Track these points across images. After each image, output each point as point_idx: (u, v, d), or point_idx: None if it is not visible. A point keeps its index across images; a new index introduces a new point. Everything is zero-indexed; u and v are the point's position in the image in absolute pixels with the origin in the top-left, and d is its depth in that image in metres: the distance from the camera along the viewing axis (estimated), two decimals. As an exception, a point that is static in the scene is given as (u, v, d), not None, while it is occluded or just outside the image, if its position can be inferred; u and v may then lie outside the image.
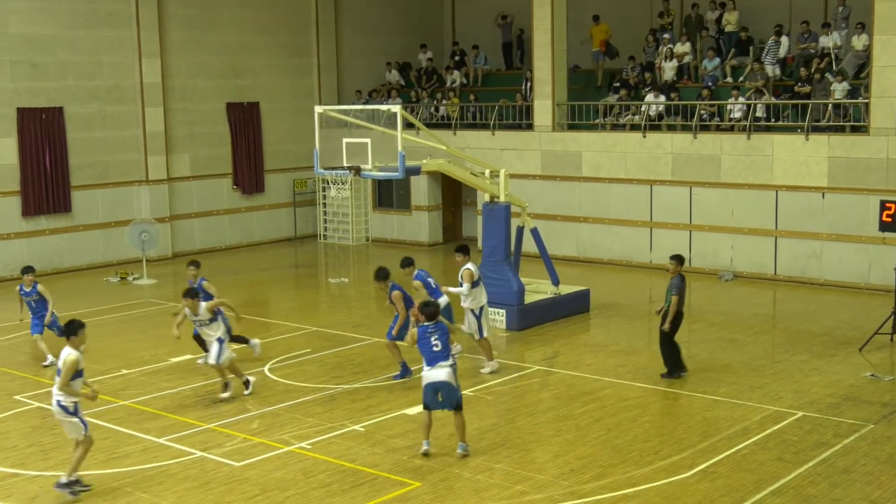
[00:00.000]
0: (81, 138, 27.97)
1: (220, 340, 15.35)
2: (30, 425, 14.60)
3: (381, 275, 16.29)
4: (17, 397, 15.75)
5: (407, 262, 16.98)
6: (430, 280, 16.84)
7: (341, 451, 12.99)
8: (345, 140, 19.33)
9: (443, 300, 16.30)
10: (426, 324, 12.85)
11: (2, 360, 18.43)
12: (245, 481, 12.08)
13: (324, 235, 32.74)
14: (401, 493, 11.59)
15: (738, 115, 25.27)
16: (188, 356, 17.99)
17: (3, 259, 26.74)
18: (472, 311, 16.51)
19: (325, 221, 32.82)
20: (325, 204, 32.77)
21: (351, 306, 22.92)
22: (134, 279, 26.29)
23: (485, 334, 16.63)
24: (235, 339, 17.22)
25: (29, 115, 26.90)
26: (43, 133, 27.20)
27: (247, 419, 14.44)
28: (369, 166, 18.86)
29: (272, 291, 25.53)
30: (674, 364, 16.14)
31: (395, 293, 16.05)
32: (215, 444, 13.35)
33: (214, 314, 15.57)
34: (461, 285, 16.44)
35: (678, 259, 16.14)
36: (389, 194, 32.19)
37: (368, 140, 19.02)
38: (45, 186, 27.34)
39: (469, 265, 16.57)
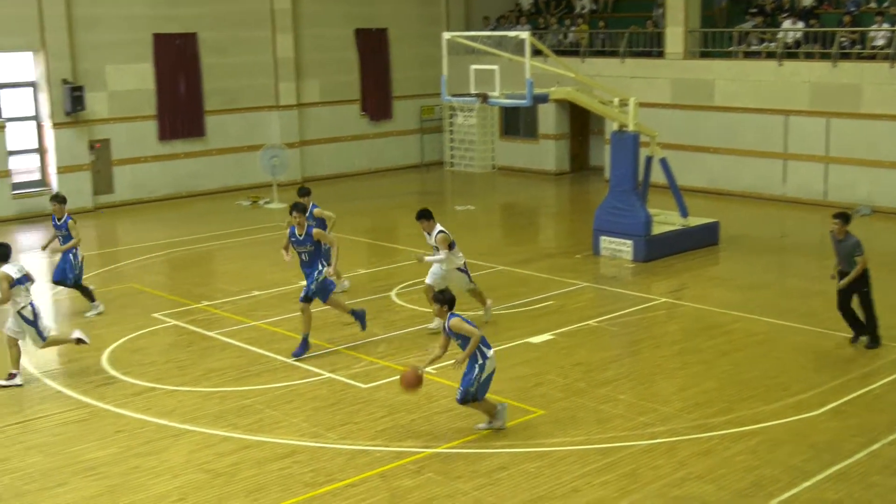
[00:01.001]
0: (214, 64, 28.50)
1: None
2: (166, 342, 15.14)
3: (424, 215, 14.90)
4: (155, 315, 16.31)
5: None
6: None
7: (465, 377, 13.11)
8: (472, 67, 19.24)
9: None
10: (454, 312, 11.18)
11: (138, 278, 19.09)
12: (371, 402, 12.33)
13: (450, 163, 32.79)
14: (523, 421, 11.68)
15: (881, 42, 24.19)
16: (317, 280, 18.34)
17: (142, 182, 27.61)
18: (460, 268, 15.02)
19: (452, 149, 32.83)
20: (451, 131, 32.74)
21: (477, 234, 22.97)
22: (265, 203, 26.86)
23: (472, 281, 15.28)
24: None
25: (164, 41, 27.52)
26: (178, 59, 27.82)
27: (373, 343, 14.69)
28: (496, 93, 18.75)
29: (398, 217, 25.75)
30: (859, 328, 14.30)
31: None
32: (343, 366, 13.64)
33: (317, 247, 14.17)
34: (436, 252, 14.80)
35: (843, 218, 14.10)
36: (516, 122, 31.99)
37: (496, 67, 18.90)
38: (180, 111, 28.04)
39: (439, 227, 14.82)
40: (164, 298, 17.44)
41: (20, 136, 26.24)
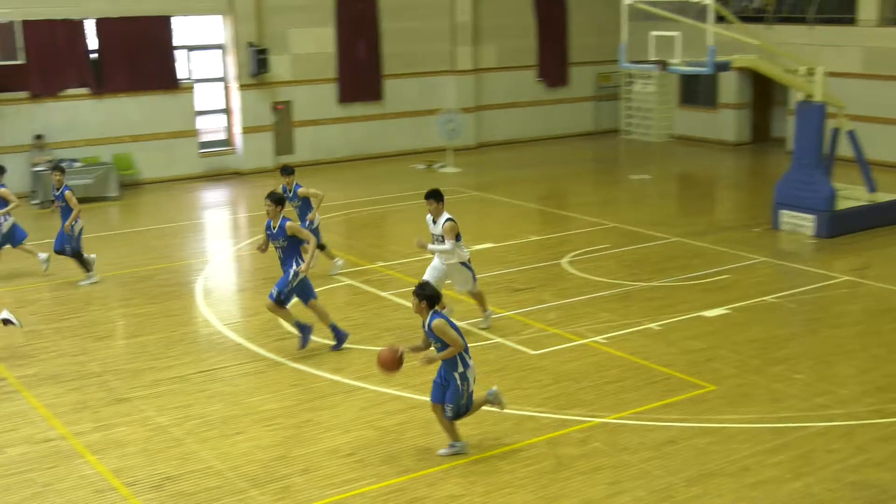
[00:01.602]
0: (393, 28, 28.84)
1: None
2: (342, 301, 15.52)
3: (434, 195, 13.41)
4: (331, 274, 16.71)
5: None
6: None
7: (635, 348, 12.98)
8: (652, 33, 18.86)
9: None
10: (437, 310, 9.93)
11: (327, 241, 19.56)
12: (539, 370, 12.35)
13: (626, 131, 32.33)
14: (694, 395, 11.48)
15: None
16: (489, 244, 18.44)
17: (321, 143, 28.29)
18: (465, 264, 13.52)
19: (628, 116, 32.35)
20: (628, 99, 32.27)
21: (651, 203, 22.62)
22: (440, 167, 27.12)
23: (476, 282, 13.82)
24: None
25: (346, 6, 28.01)
26: (358, 23, 28.29)
27: (543, 310, 14.68)
28: (677, 61, 18.34)
29: (571, 185, 25.60)
30: None
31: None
32: (512, 332, 13.69)
33: (291, 242, 12.96)
34: (442, 241, 13.33)
35: None
36: (695, 90, 31.20)
37: (677, 33, 18.46)
38: (359, 75, 28.53)
39: (448, 214, 13.32)
40: (340, 258, 17.84)
41: (208, 96, 27.26)
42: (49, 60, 24.49)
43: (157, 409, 11.27)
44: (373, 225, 21.51)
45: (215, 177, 26.70)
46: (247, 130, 27.16)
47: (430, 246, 13.36)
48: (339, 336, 13.18)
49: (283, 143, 27.87)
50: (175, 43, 26.11)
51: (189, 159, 26.61)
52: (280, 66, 27.24)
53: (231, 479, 9.57)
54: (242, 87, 26.90)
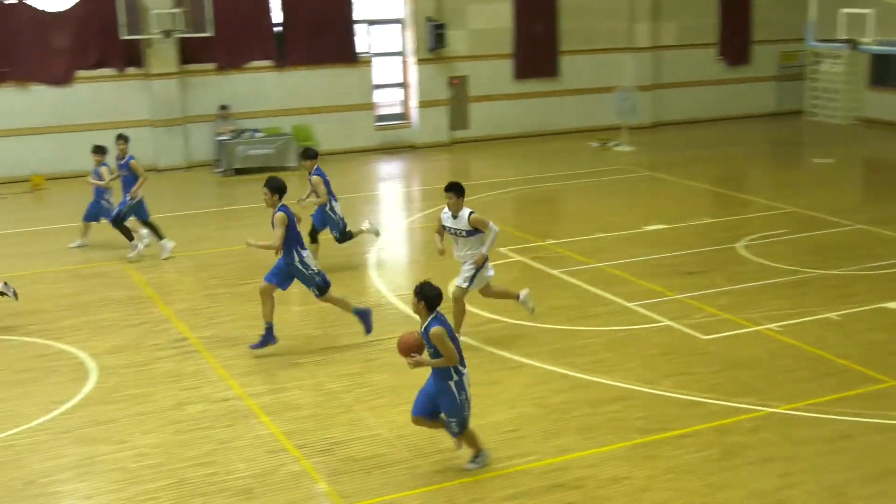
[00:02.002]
0: (571, 4, 28.59)
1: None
2: (510, 277, 15.55)
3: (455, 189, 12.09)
4: (501, 249, 16.74)
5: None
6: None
7: (811, 338, 12.54)
8: (842, 11, 18.10)
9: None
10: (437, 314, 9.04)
11: (487, 213, 19.60)
12: (708, 355, 12.09)
13: (811, 112, 31.16)
14: (872, 390, 11.02)
15: None
16: (661, 225, 18.14)
17: (496, 119, 28.37)
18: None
19: (814, 97, 31.16)
20: (814, 79, 31.08)
21: (834, 189, 21.76)
22: (614, 146, 26.80)
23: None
24: None
25: (525, -19, 27.97)
26: (537, -2, 28.21)
27: (715, 294, 14.34)
28: (868, 40, 17.56)
29: (750, 167, 24.89)
30: None
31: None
32: (682, 315, 13.44)
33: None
34: (463, 235, 12.13)
35: None
36: (887, 71, 29.76)
37: (870, 11, 17.66)
38: (535, 51, 28.42)
39: (468, 209, 12.08)
40: (511, 234, 17.87)
41: (386, 70, 27.69)
42: (236, 33, 25.34)
43: (327, 376, 11.58)
44: (545, 202, 21.46)
45: (390, 150, 27.15)
46: (423, 105, 27.47)
47: (483, 250, 12.00)
48: (363, 315, 12.50)
49: (458, 118, 28.07)
50: (355, 17, 26.60)
51: (365, 132, 27.13)
52: (457, 42, 27.41)
53: (397, 448, 9.75)
54: (420, 61, 27.19)
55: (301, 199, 15.62)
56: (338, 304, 12.57)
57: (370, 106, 27.27)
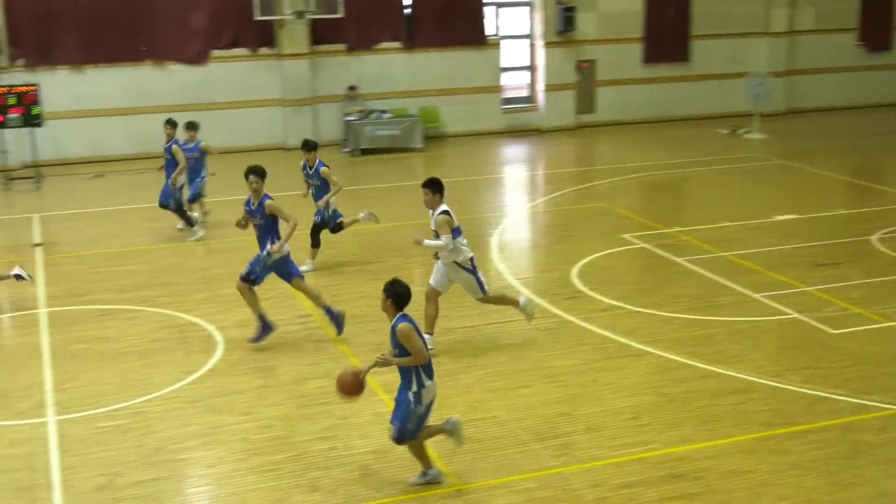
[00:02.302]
0: (705, -13, 28.09)
1: None
2: (634, 263, 15.40)
3: (431, 185, 11.62)
4: (625, 235, 16.58)
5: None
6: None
7: (948, 336, 12.07)
8: None
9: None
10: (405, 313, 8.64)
11: (612, 198, 19.46)
12: (838, 349, 11.73)
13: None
14: None
15: None
16: (791, 215, 17.68)
17: (623, 104, 28.03)
18: (462, 265, 11.64)
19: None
20: (959, 66, 29.83)
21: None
22: (744, 133, 26.20)
23: (486, 289, 11.92)
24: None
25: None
26: (670, -19, 27.74)
27: (847, 287, 13.89)
28: None
29: (887, 158, 24.02)
30: None
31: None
32: (812, 308, 13.06)
33: (269, 223, 12.10)
34: (437, 236, 11.51)
35: None
36: None
37: None
38: (666, 35, 27.95)
39: (445, 207, 11.48)
40: (635, 220, 17.66)
41: (513, 53, 27.61)
42: (366, 15, 25.60)
43: (448, 356, 11.63)
44: (670, 189, 21.14)
45: (516, 133, 27.10)
46: (549, 88, 27.32)
47: (426, 241, 11.37)
48: (335, 318, 12.28)
49: (585, 102, 27.84)
50: (484, 0, 26.58)
51: (492, 115, 27.13)
52: (587, 25, 27.15)
53: (514, 431, 9.75)
54: (548, 44, 27.04)
55: (321, 206, 15.09)
56: (310, 296, 12.38)
57: (497, 89, 27.24)
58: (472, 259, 11.65)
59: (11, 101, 22.01)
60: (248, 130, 25.46)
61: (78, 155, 24.05)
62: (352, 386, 8.62)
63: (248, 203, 12.05)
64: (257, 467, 9.10)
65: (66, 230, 17.64)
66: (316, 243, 15.17)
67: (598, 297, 13.56)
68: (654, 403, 10.35)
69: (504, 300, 12.14)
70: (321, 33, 25.55)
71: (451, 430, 8.85)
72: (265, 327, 12.12)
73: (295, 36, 25.18)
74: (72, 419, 10.20)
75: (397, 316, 8.48)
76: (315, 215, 15.14)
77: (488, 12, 26.86)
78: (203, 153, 17.30)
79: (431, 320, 11.75)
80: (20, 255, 16.39)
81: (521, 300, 12.06)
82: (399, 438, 8.58)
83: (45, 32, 24.11)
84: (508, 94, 27.76)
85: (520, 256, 16.34)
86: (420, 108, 26.02)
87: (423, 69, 26.40)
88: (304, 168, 15.27)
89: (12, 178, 22.50)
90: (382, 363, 8.50)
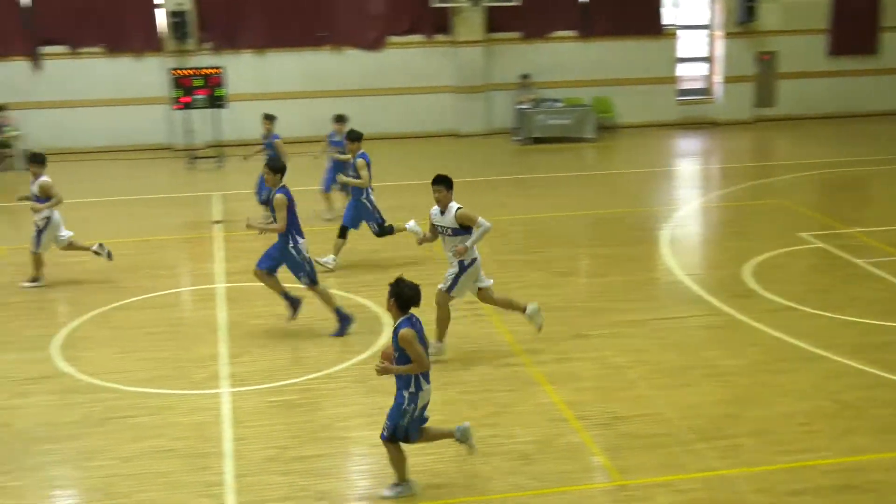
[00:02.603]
0: (899, -23, 26.84)
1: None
2: (810, 263, 14.87)
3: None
4: (801, 234, 16.02)
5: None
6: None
7: None
8: None
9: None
10: (409, 316, 8.25)
11: (788, 195, 18.85)
12: None
13: None
14: None
15: None
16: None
17: (806, 97, 27.09)
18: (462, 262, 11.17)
19: None
20: None
21: None
22: (934, 130, 24.99)
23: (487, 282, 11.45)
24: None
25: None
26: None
27: None
28: None
29: None
30: None
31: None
32: None
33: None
34: (452, 234, 11.06)
35: None
36: None
37: None
38: (854, 25, 26.83)
39: (456, 204, 10.99)
40: (813, 219, 17.05)
41: (691, 43, 27.04)
42: (542, 3, 25.51)
43: (613, 350, 11.50)
44: (853, 187, 20.30)
45: (691, 125, 26.54)
46: (728, 80, 26.67)
47: (469, 243, 10.90)
48: (343, 319, 12.13)
49: (765, 95, 27.04)
50: (663, -12, 26.16)
51: (666, 106, 26.66)
52: (769, 15, 26.33)
53: (679, 429, 9.55)
54: (728, 35, 26.40)
55: (344, 178, 15.00)
56: (323, 298, 12.15)
57: (672, 80, 26.74)
58: (475, 259, 11.15)
59: (198, 83, 22.92)
60: (420, 117, 25.77)
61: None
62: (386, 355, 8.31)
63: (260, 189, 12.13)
64: (419, 450, 9.17)
65: (245, 208, 18.20)
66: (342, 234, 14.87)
67: (772, 296, 13.14)
68: (828, 410, 9.96)
69: (511, 304, 11.55)
70: (496, 21, 25.60)
71: (461, 437, 8.59)
72: (294, 303, 12.13)
73: (470, 23, 25.31)
74: (244, 392, 10.54)
75: (401, 319, 8.11)
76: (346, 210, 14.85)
77: (666, 1, 26.35)
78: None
79: (444, 323, 11.31)
80: (201, 232, 17.05)
81: (529, 308, 11.50)
82: (390, 437, 8.28)
83: (232, 17, 25.00)
84: (684, 86, 27.20)
85: (691, 252, 16.00)
86: (593, 97, 25.77)
87: (597, 58, 26.13)
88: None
89: (196, 157, 23.43)
90: (382, 371, 8.14)
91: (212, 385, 10.70)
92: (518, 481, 8.64)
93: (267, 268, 11.91)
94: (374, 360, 11.26)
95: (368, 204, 14.71)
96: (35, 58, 24.64)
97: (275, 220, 11.74)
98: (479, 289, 11.34)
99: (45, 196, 13.76)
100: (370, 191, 14.74)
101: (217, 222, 17.60)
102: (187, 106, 23.12)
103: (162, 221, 18.03)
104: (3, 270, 14.47)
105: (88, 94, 24.81)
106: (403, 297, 8.09)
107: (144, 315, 12.91)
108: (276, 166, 11.93)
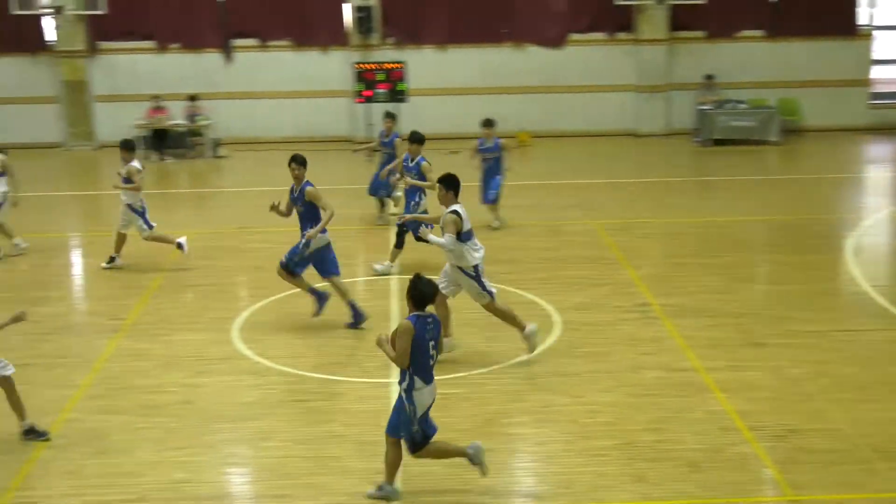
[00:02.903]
0: None
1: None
2: None
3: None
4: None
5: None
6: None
7: None
8: None
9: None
10: (421, 314, 8.13)
11: None
12: None
13: None
14: None
15: None
16: None
17: None
18: (465, 270, 10.94)
19: None
20: None
21: None
22: None
23: (494, 295, 11.17)
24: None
25: None
26: None
27: None
28: None
29: None
30: None
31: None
32: None
33: (308, 209, 12.15)
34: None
35: None
36: None
37: None
38: None
39: (456, 207, 10.77)
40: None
41: (888, 45, 25.90)
42: (729, 1, 24.91)
43: (790, 360, 11.12)
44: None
45: (884, 130, 25.40)
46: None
47: (431, 237, 10.98)
48: (357, 315, 12.25)
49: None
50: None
51: (857, 110, 25.64)
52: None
53: (857, 446, 9.16)
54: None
55: (405, 180, 14.58)
56: (300, 286, 12.34)
57: (865, 82, 25.66)
58: (476, 266, 10.93)
59: (380, 77, 23.39)
60: (598, 115, 25.57)
61: (436, 131, 25.16)
62: None
63: (292, 190, 12.19)
64: (584, 450, 9.13)
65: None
66: (399, 244, 14.53)
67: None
68: None
69: (511, 319, 11.25)
70: (681, 19, 25.14)
71: (473, 455, 8.39)
72: (321, 298, 12.31)
73: (654, 21, 24.94)
74: (413, 383, 10.69)
75: (412, 314, 8.08)
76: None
77: (862, 0, 25.29)
78: (502, 150, 16.66)
79: (444, 321, 11.00)
80: (374, 224, 17.37)
81: (528, 328, 11.17)
82: (391, 432, 8.22)
83: (415, 13, 25.39)
84: (878, 89, 26.05)
85: (877, 262, 15.33)
86: (778, 99, 24.99)
87: (785, 59, 25.32)
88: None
89: (376, 150, 23.85)
90: (377, 343, 8.20)
91: (382, 374, 10.88)
92: (685, 489, 8.47)
93: (293, 266, 12.13)
94: (545, 358, 11.28)
95: (415, 208, 14.54)
96: (227, 50, 25.65)
97: (304, 214, 12.09)
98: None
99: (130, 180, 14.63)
100: (424, 196, 14.54)
101: (393, 215, 17.90)
102: (368, 100, 23.62)
103: (340, 213, 18.38)
104: (190, 254, 15.09)
105: (275, 85, 25.65)
106: (417, 294, 8.08)
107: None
108: (303, 160, 12.13)
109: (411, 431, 8.15)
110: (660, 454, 9.04)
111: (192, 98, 24.76)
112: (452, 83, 25.49)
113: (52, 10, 24.83)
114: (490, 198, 16.66)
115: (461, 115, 25.30)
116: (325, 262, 12.18)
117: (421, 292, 8.08)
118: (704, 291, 13.42)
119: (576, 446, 9.24)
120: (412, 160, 14.76)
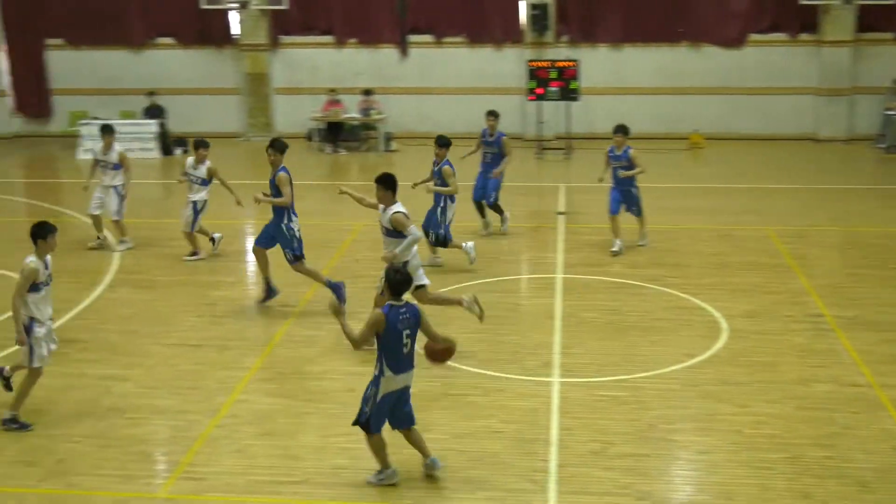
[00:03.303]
0: None
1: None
2: None
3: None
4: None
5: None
6: None
7: None
8: None
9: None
10: (396, 303, 8.28)
11: None
12: None
13: None
14: None
15: None
16: None
17: None
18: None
19: None
20: None
21: None
22: None
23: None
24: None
25: None
26: None
27: None
28: None
29: None
30: None
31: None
32: None
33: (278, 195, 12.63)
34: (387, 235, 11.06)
35: None
36: None
37: None
38: None
39: (399, 207, 10.89)
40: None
41: None
42: None
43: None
44: None
45: None
46: None
47: (398, 250, 10.88)
48: (336, 289, 12.35)
49: None
50: None
51: None
52: None
53: None
54: None
55: (427, 186, 14.47)
56: (310, 275, 12.78)
57: None
58: (405, 263, 10.70)
59: (553, 74, 23.33)
60: (776, 118, 24.83)
61: (607, 130, 24.90)
62: (442, 353, 8.80)
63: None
64: (748, 462, 8.89)
65: (588, 202, 18.35)
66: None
67: None
68: None
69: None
70: (868, 20, 24.13)
71: (429, 468, 8.71)
72: (269, 291, 13.02)
73: (840, 22, 24.01)
74: (574, 383, 10.64)
75: (386, 304, 8.31)
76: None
77: None
78: (632, 159, 15.31)
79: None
80: (544, 222, 17.35)
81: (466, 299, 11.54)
82: (357, 419, 8.48)
83: (590, 11, 25.20)
84: None
85: None
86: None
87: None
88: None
89: (546, 148, 23.85)
90: (333, 312, 8.56)
91: (543, 373, 10.87)
92: (854, 509, 8.17)
93: (262, 244, 12.82)
94: (709, 365, 11.04)
95: (443, 215, 14.32)
96: (403, 46, 26.06)
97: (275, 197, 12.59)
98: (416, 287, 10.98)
99: (209, 178, 15.08)
100: (452, 200, 14.38)
101: (561, 213, 17.84)
102: (540, 97, 23.59)
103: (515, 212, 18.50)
104: (356, 246, 15.37)
105: (449, 81, 25.90)
106: (392, 282, 8.32)
107: (486, 298, 13.28)
108: (281, 146, 12.66)
109: (363, 409, 8.43)
110: (827, 471, 8.72)
111: (367, 92, 25.26)
112: (626, 83, 25.19)
113: (237, 5, 25.79)
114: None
115: (632, 114, 24.97)
116: (268, 235, 12.79)
117: (393, 281, 8.33)
118: (882, 304, 12.87)
119: (739, 457, 9.00)
120: (437, 164, 14.42)
